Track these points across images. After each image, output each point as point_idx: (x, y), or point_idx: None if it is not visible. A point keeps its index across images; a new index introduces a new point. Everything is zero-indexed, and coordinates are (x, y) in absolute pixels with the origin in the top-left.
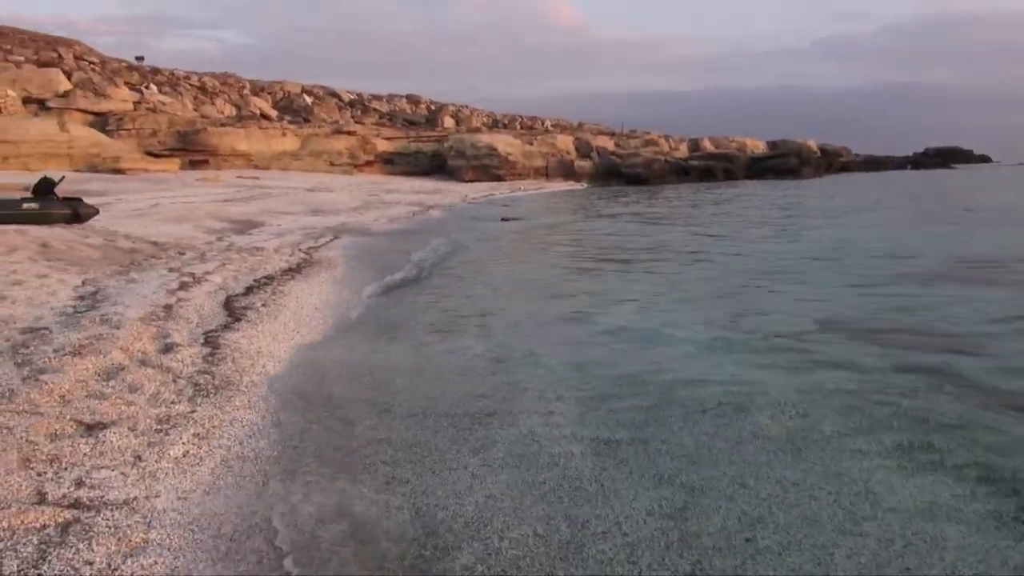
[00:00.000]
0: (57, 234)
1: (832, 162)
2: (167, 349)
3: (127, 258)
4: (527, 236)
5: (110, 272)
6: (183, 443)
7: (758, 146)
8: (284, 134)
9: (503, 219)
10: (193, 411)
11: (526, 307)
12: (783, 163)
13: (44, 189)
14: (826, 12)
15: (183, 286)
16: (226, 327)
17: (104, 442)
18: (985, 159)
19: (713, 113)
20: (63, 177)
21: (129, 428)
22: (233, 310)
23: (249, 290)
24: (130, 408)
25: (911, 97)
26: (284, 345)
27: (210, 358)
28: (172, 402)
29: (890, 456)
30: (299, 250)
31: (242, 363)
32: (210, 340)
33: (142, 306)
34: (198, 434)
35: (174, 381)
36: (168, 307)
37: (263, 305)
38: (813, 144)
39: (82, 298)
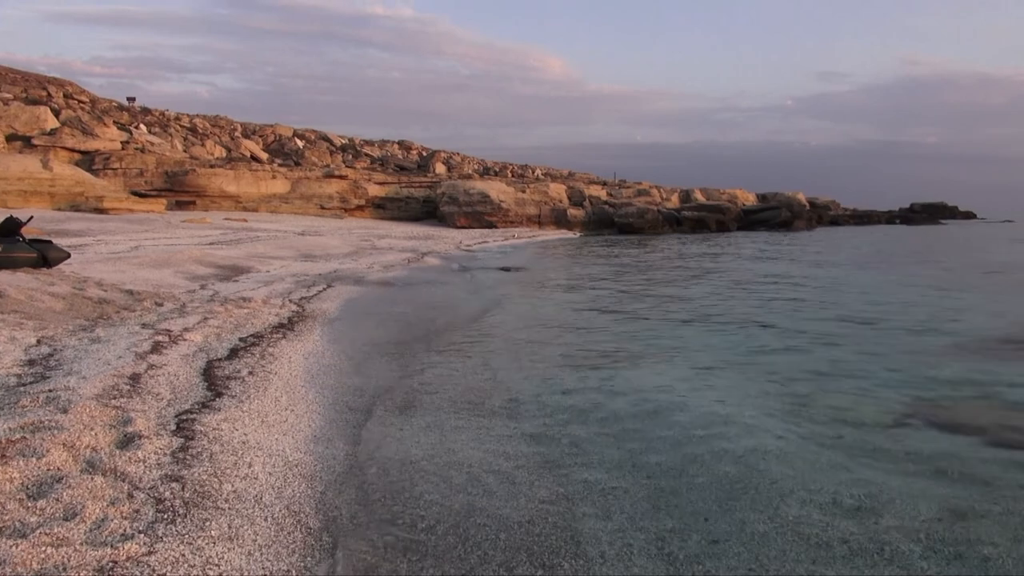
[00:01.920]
0: (17, 281)
1: (822, 215)
2: (126, 442)
3: (95, 310)
4: (533, 287)
5: (72, 328)
6: None
7: (749, 198)
8: (274, 176)
9: (503, 268)
10: (150, 552)
11: (554, 374)
12: (775, 215)
13: (8, 230)
14: (808, 72)
15: (156, 347)
16: (204, 405)
17: None
18: (970, 215)
19: (700, 165)
20: (31, 217)
21: None
22: (214, 380)
23: (234, 352)
24: (59, 552)
25: (891, 154)
26: (275, 432)
27: (181, 455)
28: (122, 535)
29: None
30: (290, 301)
31: (223, 462)
32: (183, 426)
33: (102, 377)
34: None
35: (129, 496)
36: (135, 377)
37: (250, 373)
38: (803, 197)
39: (32, 363)
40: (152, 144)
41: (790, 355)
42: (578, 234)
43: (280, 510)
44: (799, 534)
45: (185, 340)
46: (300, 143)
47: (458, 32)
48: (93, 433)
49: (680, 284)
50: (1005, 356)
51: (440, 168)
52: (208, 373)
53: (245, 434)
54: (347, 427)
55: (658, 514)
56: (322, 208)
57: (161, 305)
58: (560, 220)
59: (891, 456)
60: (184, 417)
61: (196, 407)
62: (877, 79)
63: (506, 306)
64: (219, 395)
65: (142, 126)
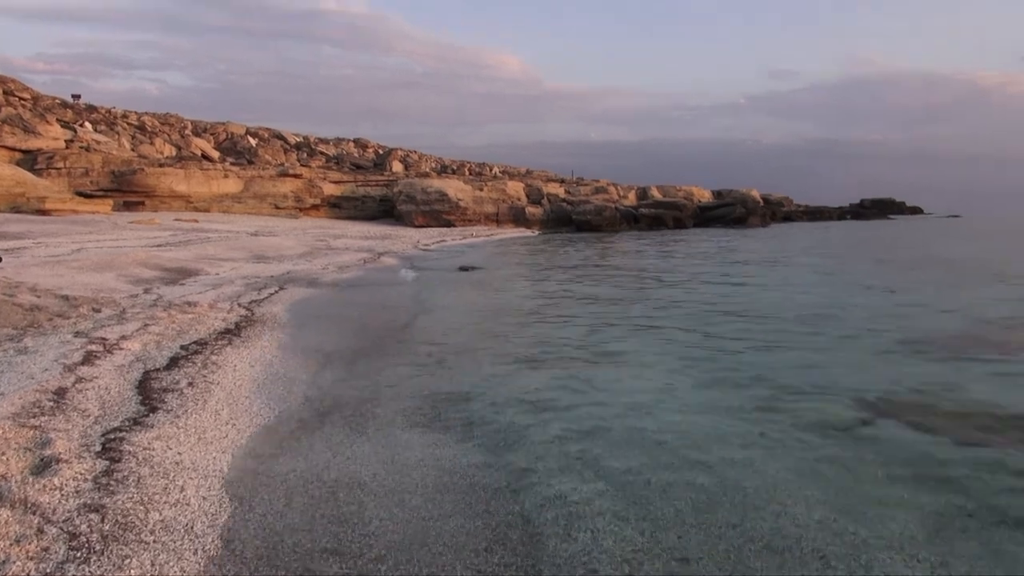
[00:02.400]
0: None
1: (776, 211)
2: (42, 468)
3: (25, 318)
4: (492, 287)
5: None
6: None
7: (704, 195)
8: (226, 176)
9: (461, 268)
10: None
11: (512, 380)
12: (730, 212)
13: None
14: (759, 70)
15: (88, 358)
16: (136, 422)
17: None
18: (917, 210)
19: (656, 163)
20: None
21: None
22: (149, 394)
23: (174, 362)
24: None
25: (840, 152)
26: (213, 449)
27: (104, 480)
28: None
29: None
30: (239, 305)
31: (151, 487)
32: (110, 446)
33: (23, 393)
34: None
35: (39, 532)
36: (60, 392)
37: (189, 384)
38: (756, 194)
39: None
40: (98, 143)
41: (750, 357)
42: (536, 232)
43: (212, 541)
44: (773, 549)
45: (121, 349)
46: (253, 141)
47: (412, 30)
48: (4, 458)
49: (639, 284)
50: (962, 353)
51: (397, 166)
52: (143, 385)
53: (179, 453)
54: (293, 442)
55: (624, 531)
56: (276, 208)
57: (99, 311)
58: (518, 218)
59: (862, 462)
60: (112, 436)
61: (126, 424)
62: (826, 78)
63: (463, 308)
64: (153, 410)
65: (87, 124)
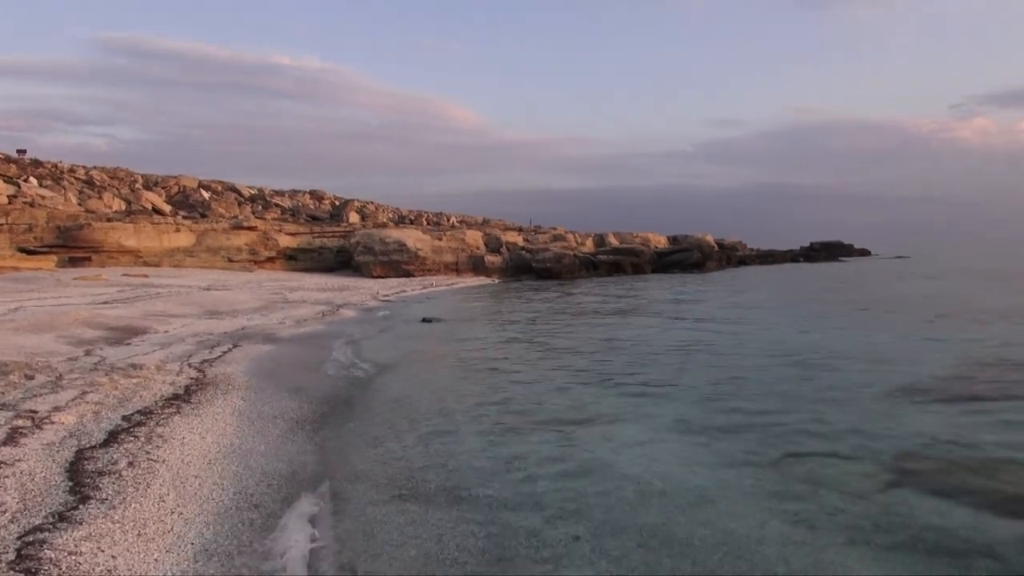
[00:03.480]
0: None
1: (730, 256)
2: None
3: None
4: (457, 340)
5: None
6: None
7: (660, 240)
8: (178, 229)
9: (423, 320)
10: None
11: (493, 447)
12: (687, 257)
13: None
14: (704, 119)
15: (12, 436)
16: (63, 517)
17: None
18: (865, 252)
19: (611, 209)
20: None
21: None
22: (82, 478)
23: (113, 436)
24: None
25: (785, 195)
26: (155, 548)
27: None
28: None
29: None
30: (189, 365)
31: None
32: (27, 553)
33: None
34: None
35: None
36: None
37: (130, 464)
38: (711, 238)
39: None
40: (43, 198)
41: (744, 413)
42: (496, 280)
43: None
44: None
45: (53, 423)
46: (206, 194)
47: (365, 82)
48: None
49: (609, 333)
50: (957, 402)
51: (354, 217)
52: (75, 468)
53: (113, 556)
54: (252, 532)
55: None
56: (230, 261)
57: (32, 378)
58: (478, 267)
59: (894, 541)
60: (30, 539)
61: (50, 521)
62: (768, 126)
63: (429, 364)
64: (85, 500)
65: (32, 179)
